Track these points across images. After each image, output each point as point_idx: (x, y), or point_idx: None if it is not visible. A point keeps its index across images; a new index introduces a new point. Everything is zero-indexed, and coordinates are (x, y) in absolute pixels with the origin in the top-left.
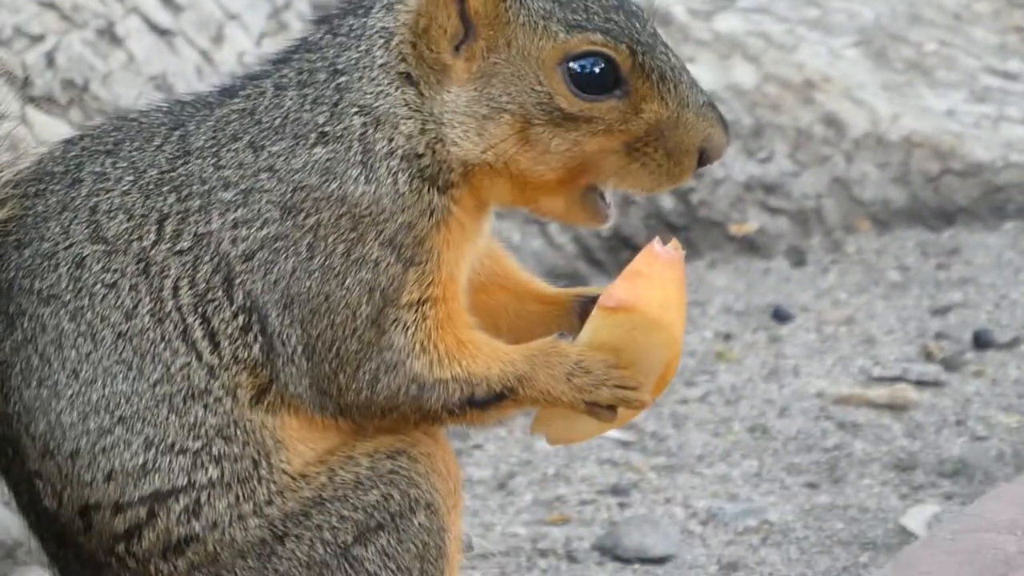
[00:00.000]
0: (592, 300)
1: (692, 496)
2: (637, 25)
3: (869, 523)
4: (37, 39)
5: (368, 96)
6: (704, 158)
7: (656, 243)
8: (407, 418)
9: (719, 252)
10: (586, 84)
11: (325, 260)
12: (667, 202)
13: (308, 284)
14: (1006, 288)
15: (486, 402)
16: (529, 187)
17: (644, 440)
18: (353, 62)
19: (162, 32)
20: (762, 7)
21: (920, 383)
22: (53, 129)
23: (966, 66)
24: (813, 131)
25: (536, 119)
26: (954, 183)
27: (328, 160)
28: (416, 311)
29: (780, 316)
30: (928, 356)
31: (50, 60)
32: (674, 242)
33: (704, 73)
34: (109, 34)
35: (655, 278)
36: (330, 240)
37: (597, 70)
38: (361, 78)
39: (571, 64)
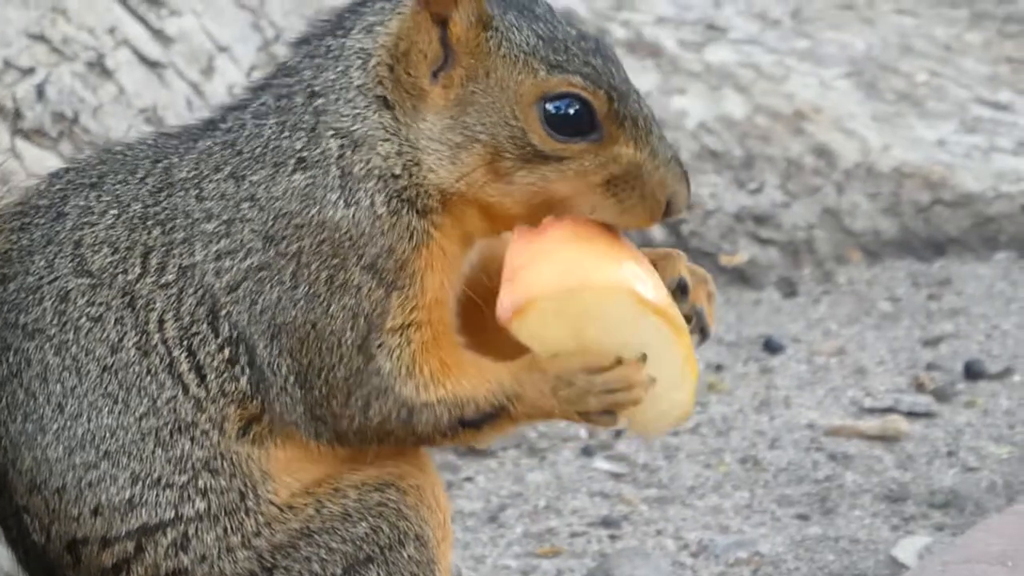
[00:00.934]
0: None
1: (683, 528)
2: (613, 70)
3: (860, 554)
4: (27, 72)
5: (345, 119)
6: (667, 210)
7: (520, 228)
8: (403, 442)
9: None
10: (561, 125)
11: (309, 288)
12: (657, 233)
13: (294, 313)
14: (997, 319)
15: (478, 422)
16: (498, 219)
17: (635, 472)
18: (330, 83)
19: (152, 64)
20: (752, 38)
21: (911, 414)
22: (43, 162)
23: (957, 97)
24: (804, 162)
25: (507, 152)
26: (945, 214)
27: (307, 186)
28: (401, 335)
29: (771, 347)
30: (919, 387)
31: (40, 93)
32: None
33: (695, 104)
34: (99, 67)
35: (535, 259)
36: (313, 267)
37: (572, 112)
38: (337, 99)
39: (548, 104)
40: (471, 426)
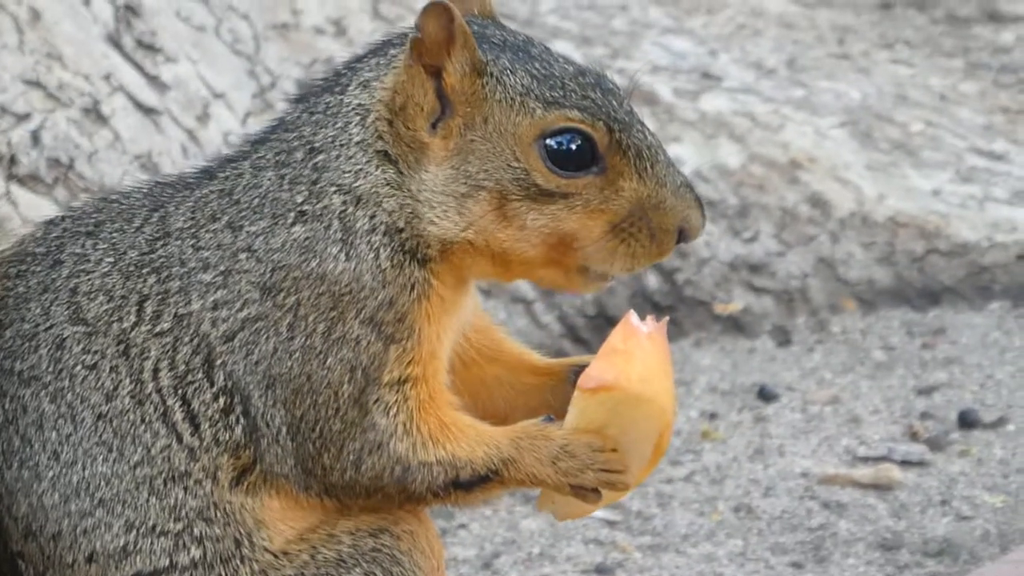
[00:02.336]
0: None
1: (677, 575)
2: (614, 103)
3: None
4: (23, 118)
5: (347, 175)
6: (681, 237)
7: (631, 316)
8: (392, 499)
9: (704, 331)
10: (563, 160)
11: (306, 340)
12: (652, 281)
13: (290, 364)
14: (991, 368)
15: (471, 484)
16: (514, 264)
17: (629, 519)
18: (330, 140)
19: (147, 111)
20: (748, 87)
21: (905, 463)
22: (38, 208)
23: (952, 146)
24: (798, 211)
25: (513, 195)
26: (940, 263)
27: (307, 238)
28: (398, 391)
29: (765, 395)
30: (913, 436)
31: (36, 139)
32: (651, 318)
33: (690, 153)
34: (95, 113)
35: (633, 353)
36: (311, 319)
37: (574, 147)
38: (339, 156)
39: (548, 140)
40: (463, 488)
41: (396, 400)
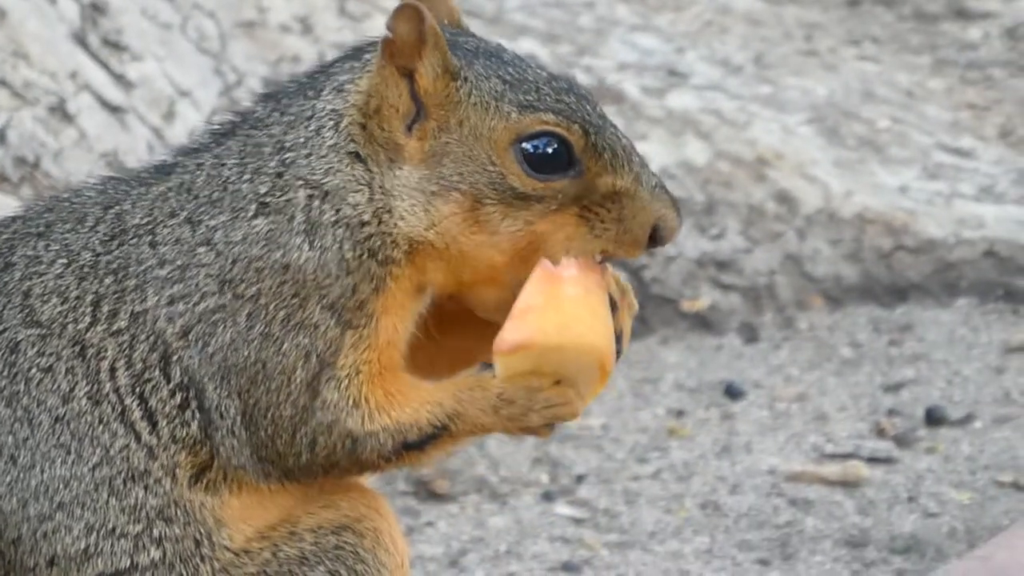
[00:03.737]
0: None
1: (644, 573)
2: (587, 107)
3: None
4: None
5: (317, 173)
6: (656, 237)
7: (544, 263)
8: (348, 471)
9: (671, 329)
10: (539, 164)
11: (264, 327)
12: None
13: (246, 353)
14: (958, 364)
15: (421, 443)
16: (477, 271)
17: (596, 517)
18: (302, 141)
19: (113, 109)
20: (715, 84)
21: (872, 460)
22: (5, 207)
23: (919, 143)
24: (765, 208)
25: (487, 199)
26: (907, 260)
27: (270, 231)
28: (349, 370)
29: (732, 393)
30: (880, 433)
31: (1, 137)
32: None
33: (656, 150)
34: (60, 111)
35: (548, 303)
36: (271, 307)
37: (550, 150)
38: (309, 155)
39: (524, 144)
40: (415, 448)
41: (348, 375)
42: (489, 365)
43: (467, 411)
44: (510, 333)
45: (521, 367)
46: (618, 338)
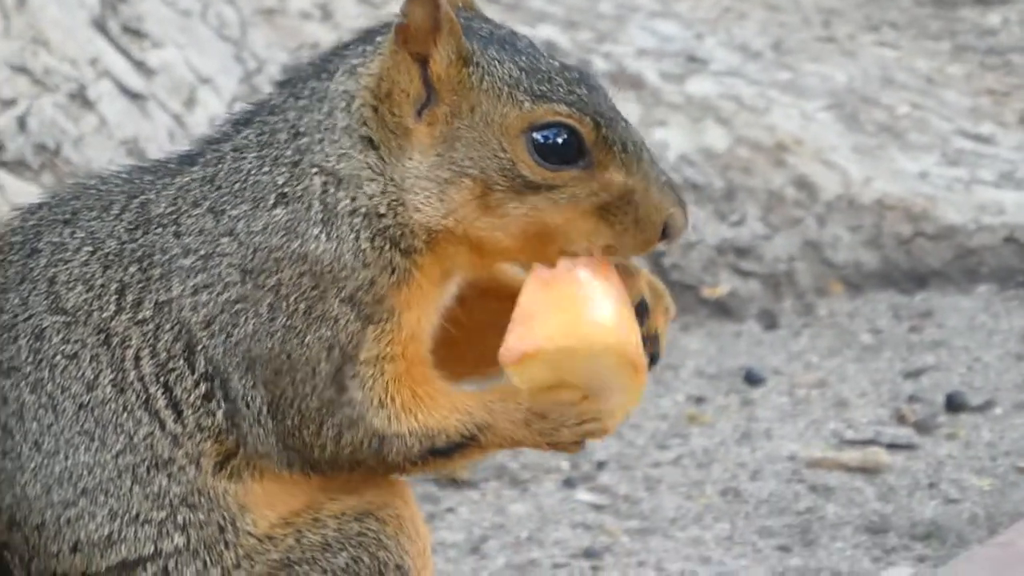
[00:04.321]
0: None
1: (665, 559)
2: (599, 99)
3: None
4: (9, 103)
5: (330, 158)
6: (665, 234)
7: (537, 270)
8: (374, 470)
9: (691, 315)
10: (549, 153)
11: (286, 319)
12: (639, 265)
13: (270, 344)
14: (979, 351)
15: (449, 451)
16: (490, 254)
17: (617, 503)
18: (315, 124)
19: (134, 96)
20: (734, 70)
21: (893, 446)
22: (25, 193)
23: (938, 129)
24: (785, 194)
25: (497, 185)
26: (926, 246)
27: (288, 220)
28: (374, 366)
29: (752, 379)
30: (901, 419)
31: (22, 124)
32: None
33: (676, 136)
34: (81, 98)
35: (549, 307)
36: (291, 299)
37: (560, 140)
38: (322, 139)
39: (535, 134)
40: (442, 455)
41: (372, 374)
42: None
43: (497, 423)
44: (514, 342)
45: (537, 377)
46: (653, 341)
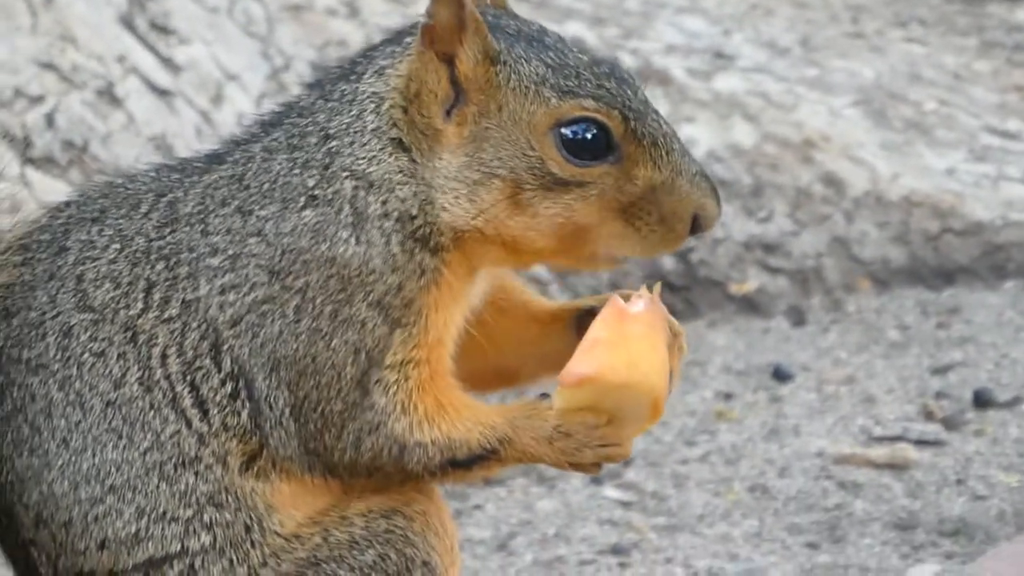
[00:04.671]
0: (589, 312)
1: (693, 556)
2: (628, 92)
3: None
4: (37, 100)
5: (361, 161)
6: (696, 226)
7: (615, 300)
8: (391, 478)
9: (719, 312)
10: (578, 150)
11: (312, 322)
12: (667, 262)
13: (295, 346)
14: (1006, 347)
15: (469, 463)
16: (525, 253)
17: (644, 500)
18: (344, 127)
19: (161, 93)
20: (761, 67)
21: (920, 442)
22: (53, 190)
23: (966, 125)
24: (812, 190)
25: (527, 184)
26: (954, 242)
27: (318, 222)
28: (399, 372)
29: (780, 375)
30: (928, 415)
31: (50, 121)
32: (643, 288)
33: (703, 133)
34: (109, 95)
35: (616, 339)
36: (318, 301)
37: (589, 136)
38: (352, 143)
39: (563, 130)
40: (461, 467)
41: (397, 379)
42: (546, 395)
43: (520, 438)
44: (577, 366)
45: (582, 401)
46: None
